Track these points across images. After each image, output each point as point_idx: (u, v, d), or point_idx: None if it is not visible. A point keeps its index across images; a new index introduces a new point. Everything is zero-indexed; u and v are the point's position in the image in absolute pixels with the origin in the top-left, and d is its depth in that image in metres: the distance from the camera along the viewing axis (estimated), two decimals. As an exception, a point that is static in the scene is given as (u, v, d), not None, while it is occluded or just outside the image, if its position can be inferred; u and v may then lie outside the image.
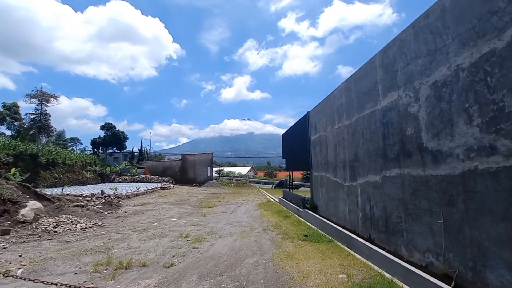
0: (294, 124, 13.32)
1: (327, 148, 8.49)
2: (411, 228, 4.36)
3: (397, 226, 4.75)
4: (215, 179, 33.86)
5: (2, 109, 35.45)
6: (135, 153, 46.68)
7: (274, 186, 34.82)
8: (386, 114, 5.08)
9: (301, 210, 10.28)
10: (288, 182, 35.99)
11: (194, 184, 29.52)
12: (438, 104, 3.80)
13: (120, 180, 28.74)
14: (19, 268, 4.38)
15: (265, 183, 42.25)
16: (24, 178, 14.95)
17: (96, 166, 27.33)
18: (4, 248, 5.62)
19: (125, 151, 47.52)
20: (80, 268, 4.48)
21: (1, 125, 33.97)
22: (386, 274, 3.97)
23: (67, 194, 13.75)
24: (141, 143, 46.02)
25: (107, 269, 4.42)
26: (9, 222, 7.38)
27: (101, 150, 43.69)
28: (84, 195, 13.35)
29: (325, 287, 3.61)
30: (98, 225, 8.42)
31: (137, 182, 28.76)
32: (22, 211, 7.79)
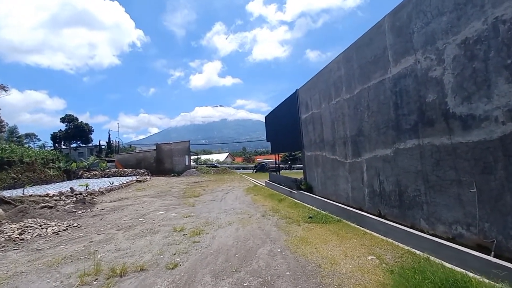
0: (280, 105, 12.80)
1: (322, 125, 8.11)
2: (433, 200, 4.13)
3: (414, 199, 4.53)
4: (194, 168, 32.74)
5: None
6: (103, 147, 43.33)
7: (254, 170, 34.67)
8: (399, 82, 4.71)
9: (295, 191, 10.01)
10: (267, 166, 36.04)
11: (172, 175, 28.24)
12: (469, 64, 3.46)
13: (89, 175, 26.49)
14: (-22, 292, 3.45)
15: (244, 168, 42.00)
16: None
17: (60, 162, 24.77)
18: (-46, 266, 4.52)
19: (91, 145, 43.90)
20: (62, 282, 3.66)
21: None
22: (417, 251, 3.72)
23: (30, 195, 12.09)
24: (109, 135, 42.69)
25: (97, 279, 3.66)
26: (-42, 234, 6.10)
27: (64, 145, 39.75)
28: (51, 195, 11.83)
29: (360, 273, 3.24)
30: (73, 226, 7.36)
31: (108, 176, 26.73)
32: (-25, 219, 6.49)
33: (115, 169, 29.01)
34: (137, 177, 24.59)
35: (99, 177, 26.21)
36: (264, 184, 15.67)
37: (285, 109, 11.79)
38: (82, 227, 7.27)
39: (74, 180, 23.75)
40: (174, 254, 4.48)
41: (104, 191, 14.98)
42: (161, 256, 4.43)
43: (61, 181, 23.08)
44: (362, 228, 5.20)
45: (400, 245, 4.10)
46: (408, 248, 3.89)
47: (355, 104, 6.16)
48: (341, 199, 7.06)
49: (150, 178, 24.79)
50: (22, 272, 4.14)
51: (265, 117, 16.07)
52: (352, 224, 5.54)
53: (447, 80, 3.78)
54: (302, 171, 10.40)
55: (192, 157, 39.17)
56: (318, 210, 7.27)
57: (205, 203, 10.35)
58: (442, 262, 3.26)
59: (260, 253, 4.26)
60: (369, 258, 3.70)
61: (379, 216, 5.40)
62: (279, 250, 4.35)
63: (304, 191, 9.31)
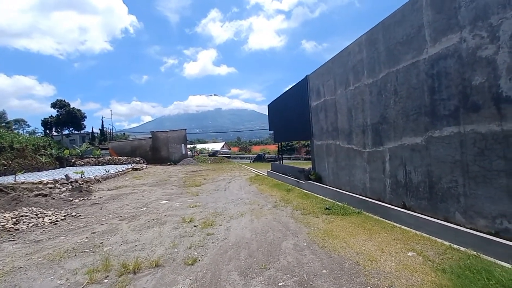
0: (286, 92, 12.31)
1: (336, 113, 7.71)
2: (473, 192, 3.82)
3: (448, 191, 4.21)
4: (191, 157, 32.21)
5: None
6: (96, 134, 42.15)
7: (252, 160, 34.36)
8: (438, 64, 4.30)
9: (303, 182, 9.69)
10: (264, 155, 35.75)
11: (169, 163, 27.69)
12: (534, 40, 3.05)
13: (83, 163, 25.73)
14: (-29, 291, 3.01)
15: (241, 158, 41.65)
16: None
17: (52, 149, 23.90)
18: None
19: (83, 132, 42.64)
20: (68, 279, 3.25)
21: None
22: (461, 248, 3.42)
23: (23, 182, 11.48)
24: (102, 122, 41.34)
25: (107, 276, 3.26)
26: None
27: (56, 132, 38.44)
28: (45, 182, 11.25)
29: (408, 272, 2.92)
30: (72, 216, 6.90)
31: (103, 164, 26.04)
32: (-36, 208, 5.95)
33: (110, 157, 28.27)
34: (133, 165, 24.00)
35: (93, 165, 25.49)
36: (266, 174, 15.34)
37: (292, 97, 11.31)
38: (82, 217, 6.81)
39: (67, 168, 23.01)
40: (190, 248, 4.10)
41: (100, 179, 14.43)
42: (176, 250, 4.04)
43: (54, 169, 22.33)
44: (388, 221, 4.90)
45: (438, 240, 3.80)
46: (450, 244, 3.59)
47: (379, 89, 5.75)
48: (357, 190, 6.75)
49: (146, 167, 24.22)
50: (21, 267, 3.70)
51: (268, 106, 15.57)
52: (375, 217, 5.24)
53: (502, 60, 3.39)
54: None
55: (188, 146, 38.52)
56: (333, 201, 6.97)
57: (209, 192, 9.96)
58: (496, 260, 2.96)
59: (285, 248, 3.91)
60: (410, 254, 3.39)
61: (404, 208, 5.11)
62: (305, 244, 4.00)
63: (314, 181, 8.99)
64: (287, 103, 11.97)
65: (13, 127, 41.65)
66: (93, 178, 13.88)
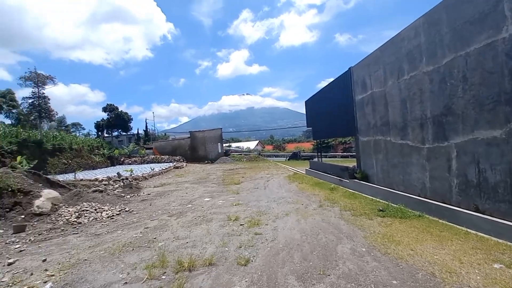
0: (326, 87, 11.77)
1: (386, 106, 7.08)
2: None
3: (541, 193, 3.52)
4: (227, 155, 32.90)
5: (-3, 97, 33.67)
6: (140, 135, 45.40)
7: (287, 158, 33.93)
8: (525, 41, 3.61)
9: (346, 180, 9.15)
10: (300, 153, 35.04)
11: (206, 162, 28.60)
12: None
13: (130, 162, 27.78)
14: (45, 282, 3.27)
15: (276, 156, 41.44)
16: (32, 166, 13.84)
17: (104, 149, 26.22)
18: (21, 251, 4.53)
19: (129, 133, 46.21)
20: (129, 273, 3.37)
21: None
22: None
23: (81, 180, 12.71)
24: (146, 124, 44.63)
25: (165, 273, 3.31)
26: (22, 216, 6.30)
27: (106, 133, 42.38)
28: (100, 179, 12.30)
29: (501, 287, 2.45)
30: (126, 211, 7.36)
31: (147, 163, 27.83)
32: (37, 202, 6.69)
33: (153, 156, 30.14)
34: (174, 163, 25.23)
35: (139, 163, 27.40)
36: (304, 172, 14.93)
37: (333, 91, 10.76)
38: (134, 212, 7.23)
39: (117, 166, 25.04)
40: (240, 247, 4.03)
41: (147, 177, 15.38)
42: (226, 249, 4.00)
43: (106, 167, 24.46)
44: (459, 227, 4.30)
45: (532, 251, 3.19)
46: (549, 257, 2.98)
47: (442, 76, 5.08)
48: (414, 190, 6.11)
49: (186, 165, 25.30)
50: (85, 260, 3.97)
51: (306, 102, 15.10)
52: (441, 221, 4.65)
53: None
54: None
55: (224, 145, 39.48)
56: (385, 202, 6.42)
57: (249, 190, 9.95)
58: None
59: (342, 252, 3.62)
60: (496, 266, 2.88)
61: (477, 211, 4.44)
62: (364, 249, 3.67)
63: (360, 180, 8.43)
64: (327, 98, 11.44)
65: (71, 130, 46.77)
66: (141, 175, 14.84)
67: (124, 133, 42.90)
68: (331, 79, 11.31)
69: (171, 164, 24.76)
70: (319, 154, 14.96)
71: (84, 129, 54.09)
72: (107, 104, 42.66)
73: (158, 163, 27.21)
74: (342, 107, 9.88)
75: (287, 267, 3.25)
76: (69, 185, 9.85)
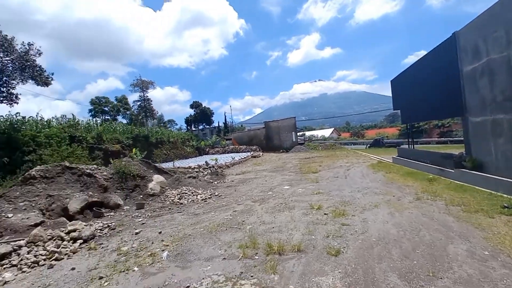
0: (419, 61, 10.02)
1: (511, 75, 5.50)
2: None
3: None
4: (301, 144, 32.56)
5: (116, 102, 42.45)
6: (221, 127, 49.79)
7: (368, 146, 31.06)
8: None
9: (451, 170, 7.68)
10: (383, 140, 31.46)
11: (281, 151, 29.02)
12: None
13: (213, 152, 30.83)
14: (163, 250, 3.96)
15: (353, 143, 38.54)
16: (143, 156, 17.01)
17: (193, 141, 29.95)
18: (143, 223, 5.63)
19: (211, 126, 51.31)
20: (226, 250, 3.75)
21: (118, 115, 40.81)
22: None
23: (178, 167, 14.88)
24: (225, 117, 48.87)
25: (256, 253, 3.54)
26: (141, 196, 7.82)
27: (194, 127, 48.40)
28: (193, 167, 14.10)
29: None
30: (215, 195, 8.22)
31: (228, 152, 30.32)
32: (150, 185, 8.17)
33: (232, 146, 32.59)
34: (251, 153, 26.63)
35: (221, 153, 30.14)
36: (390, 161, 13.34)
37: (429, 65, 9.07)
38: (222, 196, 8.00)
39: (204, 156, 28.23)
40: (327, 237, 3.92)
41: (228, 165, 16.77)
42: (313, 237, 3.96)
43: (195, 156, 27.92)
44: None
45: None
46: None
47: None
48: (560, 183, 4.61)
49: (262, 154, 26.35)
50: (190, 235, 4.62)
51: (391, 82, 13.30)
52: None
53: None
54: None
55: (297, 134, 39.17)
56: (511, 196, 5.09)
57: (328, 179, 9.57)
58: None
59: (455, 253, 3.06)
60: None
61: None
62: (486, 252, 3.00)
63: (470, 170, 6.93)
64: (421, 74, 9.74)
65: (167, 126, 55.21)
66: (224, 164, 16.27)
67: (207, 126, 48.01)
68: (423, 52, 9.56)
69: (248, 153, 26.24)
70: (409, 140, 13.05)
71: (176, 124, 63.00)
72: (193, 101, 48.54)
73: (237, 152, 29.27)
74: (442, 82, 8.24)
75: (385, 263, 2.96)
76: (170, 171, 11.64)
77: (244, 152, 29.02)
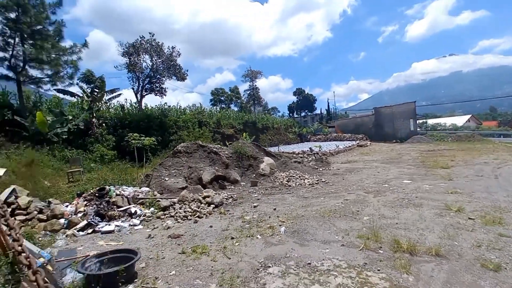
0: None
1: None
2: None
3: None
4: (421, 134, 27.32)
5: (229, 93, 48.02)
6: (323, 114, 48.25)
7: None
8: None
9: None
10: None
11: (394, 141, 25.33)
12: None
13: (315, 139, 30.34)
14: (280, 225, 4.23)
15: (505, 135, 29.04)
16: (251, 140, 18.71)
17: (295, 128, 30.47)
18: (258, 199, 6.20)
19: (313, 113, 50.44)
20: (343, 237, 3.63)
21: (231, 103, 46.09)
22: None
23: (282, 152, 15.54)
24: (328, 103, 46.66)
25: (380, 248, 3.24)
26: (254, 175, 8.63)
27: (296, 114, 49.20)
28: (297, 152, 14.38)
29: None
30: (322, 181, 8.08)
31: (330, 140, 29.14)
32: (261, 166, 8.89)
33: (335, 134, 31.06)
34: (357, 142, 24.56)
35: (323, 141, 29.33)
36: None
37: None
38: (330, 183, 7.77)
39: (305, 143, 28.29)
40: (479, 247, 3.12)
41: (333, 153, 16.12)
42: (456, 243, 3.25)
43: (296, 143, 28.39)
44: None
45: None
46: None
47: None
48: None
49: (370, 144, 23.84)
50: (302, 216, 4.73)
51: None
52: None
53: None
54: None
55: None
56: None
57: (467, 178, 7.63)
58: None
59: None
60: None
61: None
62: None
63: None
64: None
65: (271, 113, 58.36)
66: (328, 151, 15.76)
67: (309, 113, 47.60)
68: None
69: (353, 142, 24.33)
70: None
71: (279, 111, 65.61)
72: (296, 88, 49.03)
73: (340, 141, 27.69)
74: None
75: None
76: (277, 155, 12.29)
77: (348, 140, 27.11)
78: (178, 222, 4.67)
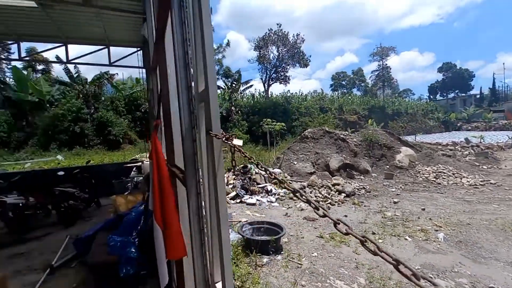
0: None
1: None
2: None
3: None
4: None
5: (352, 76, 44.35)
6: (483, 94, 36.12)
7: None
8: None
9: None
10: None
11: None
12: None
13: (470, 128, 23.35)
14: (436, 230, 3.49)
15: None
16: (379, 127, 16.61)
17: (438, 113, 24.60)
18: (398, 194, 5.41)
19: (464, 94, 38.57)
20: (551, 266, 2.57)
21: (353, 88, 42.60)
22: None
23: (422, 142, 12.88)
24: (493, 80, 33.95)
25: None
26: (387, 167, 7.61)
27: (441, 96, 39.33)
28: (444, 144, 11.58)
29: None
30: (491, 183, 6.11)
31: (495, 129, 21.59)
32: (398, 157, 7.72)
33: (505, 121, 22.71)
34: (549, 132, 16.96)
35: (481, 130, 22.17)
36: None
37: None
38: (505, 187, 5.77)
39: (453, 132, 22.34)
40: None
41: (503, 147, 11.88)
42: None
43: (439, 132, 22.87)
44: None
45: None
46: None
47: None
48: None
49: None
50: (468, 224, 3.72)
51: None
52: None
53: None
54: None
55: None
56: None
57: None
58: None
59: None
60: None
61: None
62: None
63: None
64: None
65: (403, 96, 49.54)
66: (495, 144, 11.77)
67: (461, 94, 36.71)
68: None
69: (543, 132, 16.96)
70: None
71: (413, 94, 54.72)
72: (443, 63, 38.64)
73: (515, 130, 20.02)
74: None
75: None
76: (415, 146, 10.33)
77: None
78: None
